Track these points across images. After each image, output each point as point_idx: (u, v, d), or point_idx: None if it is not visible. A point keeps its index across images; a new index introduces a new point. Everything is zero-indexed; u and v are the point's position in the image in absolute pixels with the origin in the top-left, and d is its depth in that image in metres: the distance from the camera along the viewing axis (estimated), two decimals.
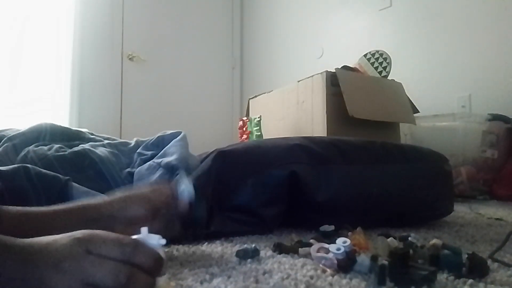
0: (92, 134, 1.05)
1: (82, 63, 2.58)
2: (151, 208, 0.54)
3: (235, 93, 3.42)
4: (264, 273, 0.48)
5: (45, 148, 0.86)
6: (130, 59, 2.80)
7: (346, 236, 0.56)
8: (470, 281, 0.44)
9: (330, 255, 0.50)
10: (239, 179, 0.76)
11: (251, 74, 3.39)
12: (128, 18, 2.81)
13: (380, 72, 1.79)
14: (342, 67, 1.69)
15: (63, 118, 2.46)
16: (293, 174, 0.76)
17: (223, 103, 3.35)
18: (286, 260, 0.54)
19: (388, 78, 1.77)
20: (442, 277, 0.46)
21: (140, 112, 2.82)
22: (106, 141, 0.99)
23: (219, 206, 0.74)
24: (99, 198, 0.58)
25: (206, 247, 0.62)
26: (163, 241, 0.34)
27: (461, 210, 1.17)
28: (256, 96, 2.01)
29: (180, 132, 0.94)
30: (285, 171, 0.76)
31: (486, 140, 1.64)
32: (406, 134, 1.79)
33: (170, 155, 0.86)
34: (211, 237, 0.68)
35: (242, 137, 1.85)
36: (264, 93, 1.93)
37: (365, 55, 1.86)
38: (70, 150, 0.86)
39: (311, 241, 0.61)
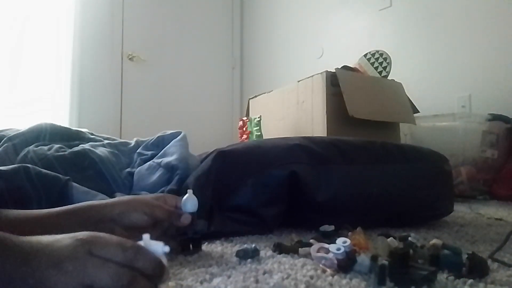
0: (92, 134, 1.05)
1: (82, 63, 2.58)
2: (152, 217, 0.54)
3: (235, 93, 3.42)
4: (264, 273, 0.48)
5: (45, 148, 0.86)
6: (130, 59, 2.80)
7: (346, 236, 0.56)
8: (470, 281, 0.44)
9: (330, 255, 0.50)
10: (239, 179, 0.76)
11: (251, 74, 3.39)
12: (128, 18, 2.81)
13: (380, 72, 1.79)
14: (342, 67, 1.69)
15: (63, 118, 2.46)
16: (293, 174, 0.76)
17: (223, 103, 3.35)
18: (286, 260, 0.54)
19: (388, 78, 1.77)
20: (442, 277, 0.46)
21: (140, 112, 2.82)
22: (106, 141, 0.99)
23: (219, 206, 0.74)
24: (103, 201, 0.58)
25: (206, 247, 0.62)
26: (167, 249, 0.34)
27: (461, 210, 1.17)
28: (256, 96, 2.01)
29: (180, 132, 0.94)
30: (285, 171, 0.76)
31: (486, 140, 1.64)
32: (406, 134, 1.79)
33: (170, 155, 0.86)
34: (211, 237, 0.68)
35: (242, 137, 1.85)
36: (264, 93, 1.93)
37: (365, 55, 1.86)
38: (70, 150, 0.86)
39: (311, 241, 0.61)
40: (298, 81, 1.66)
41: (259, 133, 1.77)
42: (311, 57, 2.75)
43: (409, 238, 0.60)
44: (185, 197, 0.57)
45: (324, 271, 0.49)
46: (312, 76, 1.57)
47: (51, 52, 2.50)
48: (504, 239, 0.65)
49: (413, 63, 2.13)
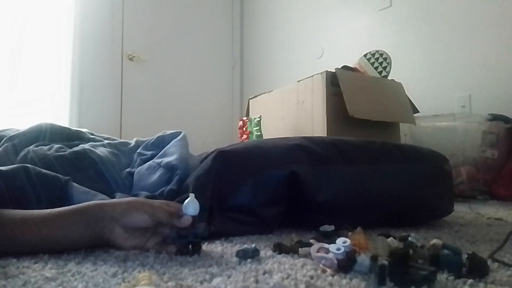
0: (92, 134, 1.05)
1: (82, 63, 2.58)
2: (154, 218, 0.54)
3: (235, 93, 3.42)
4: (264, 273, 0.48)
5: (45, 148, 0.86)
6: (130, 59, 2.80)
7: (346, 236, 0.56)
8: (470, 281, 0.44)
9: (330, 255, 0.50)
10: (239, 179, 0.76)
11: (251, 74, 3.39)
12: (128, 18, 2.81)
13: (380, 72, 1.79)
14: (342, 67, 1.69)
15: (63, 118, 2.46)
16: (293, 174, 0.76)
17: (223, 103, 3.35)
18: (286, 260, 0.54)
19: (388, 78, 1.77)
20: (442, 277, 0.46)
21: (140, 112, 2.82)
22: (106, 141, 0.99)
23: (219, 206, 0.74)
24: (105, 200, 0.59)
25: (206, 247, 0.62)
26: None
27: (461, 210, 1.17)
28: (256, 96, 2.01)
29: (180, 132, 0.94)
30: (285, 171, 0.76)
31: (486, 140, 1.64)
32: (406, 134, 1.79)
33: (170, 155, 0.86)
34: (211, 237, 0.68)
35: (242, 137, 1.85)
36: (264, 93, 1.93)
37: (365, 55, 1.86)
38: (70, 150, 0.86)
39: (311, 241, 0.61)
40: (298, 81, 1.66)
41: (259, 133, 1.77)
42: (311, 57, 2.75)
43: (409, 238, 0.60)
44: (186, 200, 0.57)
45: (324, 271, 0.49)
46: (312, 76, 1.57)
47: (51, 52, 2.50)
48: (504, 239, 0.65)
49: (413, 63, 2.13)
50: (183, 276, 0.46)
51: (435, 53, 2.05)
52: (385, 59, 1.80)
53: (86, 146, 0.90)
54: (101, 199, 0.70)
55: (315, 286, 0.44)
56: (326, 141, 0.86)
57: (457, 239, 0.72)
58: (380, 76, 1.78)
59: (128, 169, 0.90)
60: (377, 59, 1.81)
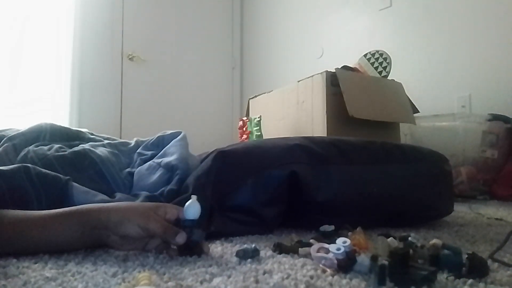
0: (92, 134, 1.05)
1: (82, 63, 2.58)
2: (146, 231, 0.53)
3: (235, 93, 3.42)
4: (264, 273, 0.48)
5: (45, 148, 0.86)
6: (130, 59, 2.80)
7: (346, 236, 0.56)
8: (470, 281, 0.44)
9: (330, 255, 0.50)
10: (239, 179, 0.76)
11: (251, 74, 3.39)
12: (128, 18, 2.81)
13: (380, 72, 1.79)
14: (342, 67, 1.69)
15: (63, 118, 2.46)
16: (293, 174, 0.76)
17: (223, 103, 3.35)
18: (286, 260, 0.54)
19: (388, 78, 1.77)
20: (442, 277, 0.46)
21: (140, 112, 2.82)
22: (106, 141, 0.99)
23: (219, 206, 0.74)
24: (101, 205, 0.58)
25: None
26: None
27: (461, 210, 1.17)
28: (256, 96, 2.01)
29: (180, 132, 0.94)
30: (285, 171, 0.76)
31: (486, 140, 1.64)
32: (406, 134, 1.79)
33: (170, 155, 0.86)
34: (211, 237, 0.68)
35: (242, 137, 1.85)
36: (264, 93, 1.93)
37: (365, 55, 1.86)
38: (70, 150, 0.86)
39: (311, 241, 0.61)
40: (298, 81, 1.66)
41: (259, 133, 1.77)
42: (311, 57, 2.75)
43: (409, 238, 0.60)
44: (188, 203, 0.56)
45: (324, 271, 0.49)
46: (312, 76, 1.57)
47: (51, 52, 2.50)
48: (504, 239, 0.65)
49: (413, 63, 2.13)
50: (183, 276, 0.46)
51: (435, 53, 2.05)
52: (385, 59, 1.80)
53: (86, 146, 0.90)
54: (101, 199, 0.70)
55: (315, 286, 0.44)
56: (326, 141, 0.86)
57: (457, 239, 0.72)
58: (380, 76, 1.78)
59: (128, 169, 0.90)
60: (377, 59, 1.81)
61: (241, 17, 3.49)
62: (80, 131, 1.03)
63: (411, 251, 0.49)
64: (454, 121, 1.68)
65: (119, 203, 0.59)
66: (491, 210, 1.20)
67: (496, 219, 1.00)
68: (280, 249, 0.59)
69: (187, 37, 3.12)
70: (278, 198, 0.77)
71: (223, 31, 3.40)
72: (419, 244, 0.55)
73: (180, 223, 0.55)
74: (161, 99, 2.94)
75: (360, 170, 0.82)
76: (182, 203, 0.57)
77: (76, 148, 0.88)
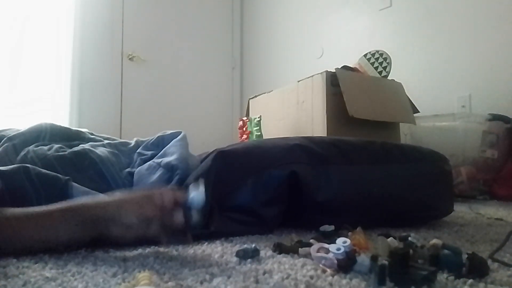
0: (92, 134, 1.05)
1: (82, 63, 2.58)
2: (143, 217, 0.53)
3: (235, 93, 3.42)
4: (264, 273, 0.48)
5: (45, 148, 0.86)
6: (130, 59, 2.80)
7: (346, 236, 0.56)
8: (470, 281, 0.44)
9: (330, 255, 0.50)
10: (239, 179, 0.76)
11: (251, 74, 3.39)
12: (128, 18, 2.81)
13: (380, 72, 1.79)
14: (342, 67, 1.69)
15: (63, 118, 2.46)
16: (293, 174, 0.76)
17: (223, 103, 3.35)
18: (286, 260, 0.54)
19: (388, 78, 1.77)
20: (442, 277, 0.46)
21: (140, 112, 2.82)
22: (106, 141, 0.99)
23: (219, 206, 0.74)
24: (97, 199, 0.58)
25: (206, 247, 0.62)
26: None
27: (461, 210, 1.17)
28: (256, 96, 2.01)
29: (180, 132, 0.94)
30: (285, 171, 0.76)
31: (486, 140, 1.64)
32: (406, 134, 1.79)
33: (170, 155, 0.86)
34: (211, 237, 0.68)
35: (242, 137, 1.85)
36: (264, 93, 1.93)
37: (365, 55, 1.86)
38: (70, 150, 0.86)
39: (311, 241, 0.61)
40: (298, 81, 1.66)
41: (259, 133, 1.77)
42: (311, 57, 2.75)
43: (409, 238, 0.60)
44: (195, 193, 0.56)
45: (324, 271, 0.49)
46: (312, 76, 1.57)
47: (51, 52, 2.50)
48: (504, 239, 0.65)
49: (413, 63, 2.13)
50: (183, 276, 0.46)
51: (435, 53, 2.05)
52: (385, 59, 1.80)
53: (86, 146, 0.90)
54: None
55: (315, 286, 0.44)
56: (326, 141, 0.86)
57: (457, 239, 0.72)
58: (380, 76, 1.78)
59: (128, 169, 0.90)
60: (377, 59, 1.81)
61: (241, 17, 3.49)
62: (80, 131, 1.03)
63: (411, 251, 0.49)
64: (454, 121, 1.68)
65: (115, 195, 0.58)
66: (491, 210, 1.20)
67: (496, 219, 1.00)
68: (280, 249, 0.59)
69: (187, 37, 3.12)
70: (278, 198, 0.77)
71: (223, 31, 3.40)
72: (419, 244, 0.55)
73: (183, 207, 0.55)
74: (161, 99, 2.94)
75: (360, 170, 0.82)
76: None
77: (76, 148, 0.88)
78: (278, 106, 1.79)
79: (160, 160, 0.86)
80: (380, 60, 1.80)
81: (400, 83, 1.72)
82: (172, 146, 0.90)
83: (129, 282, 0.43)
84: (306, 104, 1.60)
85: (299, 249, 0.58)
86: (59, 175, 0.70)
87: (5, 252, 0.52)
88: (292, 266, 0.51)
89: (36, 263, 0.50)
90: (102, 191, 0.75)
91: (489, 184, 1.65)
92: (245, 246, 0.56)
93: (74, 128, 1.04)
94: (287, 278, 0.46)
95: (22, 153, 0.84)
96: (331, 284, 0.44)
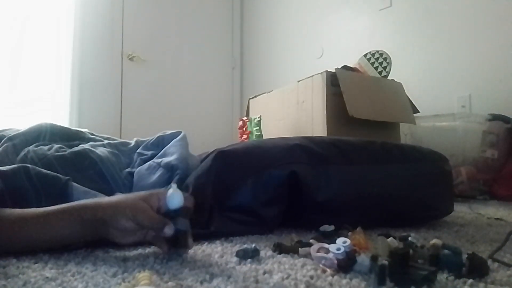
0: (92, 134, 1.05)
1: (82, 63, 2.58)
2: (136, 222, 0.52)
3: (235, 93, 3.42)
4: (264, 273, 0.48)
5: (45, 148, 0.86)
6: (130, 59, 2.80)
7: (346, 236, 0.56)
8: (470, 281, 0.44)
9: (330, 255, 0.50)
10: (239, 179, 0.76)
11: (251, 74, 3.39)
12: (128, 18, 2.81)
13: (380, 72, 1.79)
14: (342, 67, 1.69)
15: (63, 118, 2.46)
16: (293, 174, 0.76)
17: (223, 103, 3.35)
18: (286, 260, 0.54)
19: (388, 78, 1.77)
20: (442, 277, 0.46)
21: (140, 112, 2.82)
22: (106, 141, 0.99)
23: (219, 206, 0.74)
24: (97, 200, 0.58)
25: (206, 247, 0.62)
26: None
27: (461, 210, 1.17)
28: (256, 96, 2.01)
29: (180, 132, 0.94)
30: (285, 171, 0.76)
31: (486, 140, 1.64)
32: (406, 134, 1.79)
33: (170, 155, 0.86)
34: (211, 237, 0.68)
35: (242, 137, 1.85)
36: (264, 93, 1.93)
37: (365, 55, 1.86)
38: (70, 150, 0.86)
39: (311, 241, 0.61)
40: (298, 81, 1.66)
41: (259, 133, 1.77)
42: (311, 57, 2.75)
43: (409, 238, 0.60)
44: (169, 192, 0.54)
45: (324, 271, 0.49)
46: (312, 76, 1.57)
47: (51, 52, 2.50)
48: (504, 239, 0.65)
49: (413, 63, 2.13)
50: (183, 276, 0.46)
51: (435, 53, 2.05)
52: (385, 59, 1.80)
53: (86, 146, 0.90)
54: None
55: (315, 286, 0.44)
56: (326, 141, 0.86)
57: (457, 239, 0.72)
58: (380, 76, 1.78)
59: (128, 169, 0.90)
60: (377, 59, 1.81)
61: (241, 17, 3.49)
62: (80, 131, 1.03)
63: (411, 251, 0.49)
64: (454, 121, 1.68)
65: (112, 198, 0.58)
66: (491, 210, 1.20)
67: (496, 219, 1.00)
68: (280, 249, 0.59)
69: (187, 37, 3.12)
70: (278, 198, 0.77)
71: (223, 31, 3.40)
72: (419, 244, 0.55)
73: (164, 214, 0.54)
74: (161, 99, 2.94)
75: (360, 170, 0.82)
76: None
77: (76, 148, 0.88)
78: (278, 106, 1.79)
79: (160, 160, 0.86)
80: (380, 60, 1.80)
81: (400, 83, 1.72)
82: (172, 146, 0.90)
83: (129, 282, 0.43)
84: (306, 104, 1.60)
85: (299, 249, 0.58)
86: (59, 175, 0.70)
87: (5, 252, 0.52)
88: (292, 266, 0.51)
89: (36, 263, 0.50)
90: (102, 191, 0.75)
91: (489, 184, 1.65)
92: (245, 246, 0.56)
93: (74, 128, 1.04)
94: (287, 278, 0.46)
95: (22, 153, 0.84)
96: (331, 284, 0.44)
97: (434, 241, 0.52)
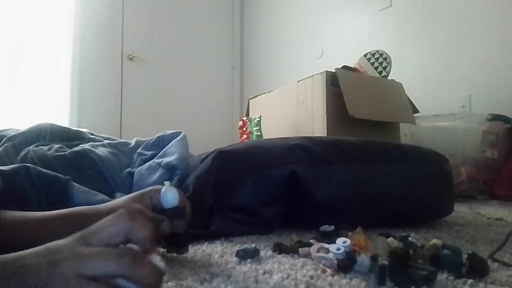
0: (92, 134, 1.05)
1: (82, 63, 2.58)
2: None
3: (235, 93, 3.42)
4: (264, 273, 0.48)
5: (45, 148, 0.86)
6: (130, 59, 2.80)
7: (346, 236, 0.56)
8: (470, 281, 0.44)
9: (330, 255, 0.50)
10: (239, 179, 0.76)
11: (251, 74, 3.39)
12: (128, 18, 2.81)
13: (380, 72, 1.79)
14: (342, 67, 1.69)
15: (63, 118, 2.46)
16: (293, 174, 0.76)
17: (223, 103, 3.35)
18: (286, 260, 0.54)
19: (388, 78, 1.77)
20: (442, 277, 0.46)
21: (140, 112, 2.82)
22: (106, 141, 0.99)
23: (219, 206, 0.74)
24: (94, 207, 0.57)
25: (206, 247, 0.62)
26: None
27: (461, 210, 1.17)
28: (256, 96, 2.01)
29: (180, 132, 0.94)
30: (285, 171, 0.76)
31: (486, 140, 1.64)
32: (406, 134, 1.79)
33: (170, 155, 0.86)
34: (211, 237, 0.68)
35: (242, 137, 1.85)
36: (264, 93, 1.93)
37: (365, 55, 1.86)
38: (70, 150, 0.86)
39: (311, 241, 0.61)
40: (298, 81, 1.66)
41: (259, 133, 1.76)
42: (311, 57, 2.75)
43: (409, 238, 0.60)
44: (163, 189, 0.51)
45: (324, 271, 0.49)
46: (312, 76, 1.57)
47: (51, 52, 2.50)
48: (504, 239, 0.65)
49: (413, 63, 2.13)
50: (183, 276, 0.46)
51: (435, 53, 2.05)
52: (385, 59, 1.80)
53: (86, 146, 0.90)
54: (101, 199, 0.70)
55: (315, 286, 0.44)
56: (326, 141, 0.86)
57: (457, 239, 0.72)
58: (380, 76, 1.78)
59: (128, 169, 0.90)
60: (377, 59, 1.81)
61: (241, 17, 3.49)
62: (80, 131, 1.03)
63: (411, 251, 0.49)
64: (454, 121, 1.68)
65: (108, 204, 0.57)
66: (491, 210, 1.20)
67: (496, 219, 1.00)
68: (280, 249, 0.59)
69: (187, 37, 3.12)
70: (278, 198, 0.77)
71: (223, 31, 3.40)
72: (419, 244, 0.55)
73: (159, 212, 0.52)
74: (161, 99, 2.94)
75: (360, 170, 0.82)
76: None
77: (76, 148, 0.88)
78: (278, 106, 1.79)
79: (160, 160, 0.86)
80: (380, 60, 1.80)
81: (400, 83, 1.72)
82: (172, 146, 0.90)
83: None
84: (306, 104, 1.60)
85: (299, 249, 0.58)
86: (59, 175, 0.70)
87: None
88: (292, 266, 0.51)
89: None
90: (102, 191, 0.75)
91: (489, 184, 1.65)
92: (245, 246, 0.56)
93: (74, 128, 1.04)
94: (287, 278, 0.46)
95: (22, 153, 0.84)
96: (331, 284, 0.44)
97: (434, 241, 0.52)
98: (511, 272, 0.49)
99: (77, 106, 2.55)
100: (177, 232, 0.51)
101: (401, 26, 2.22)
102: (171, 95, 3.00)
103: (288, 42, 2.99)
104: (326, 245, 0.54)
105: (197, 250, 0.60)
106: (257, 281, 0.45)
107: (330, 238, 0.62)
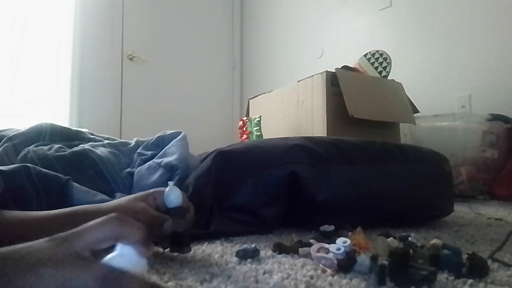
0: (92, 134, 1.05)
1: (82, 63, 2.58)
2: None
3: (235, 93, 3.42)
4: (264, 273, 0.48)
5: (45, 148, 0.86)
6: (130, 59, 2.80)
7: (346, 236, 0.56)
8: (470, 281, 0.44)
9: (330, 255, 0.50)
10: (239, 179, 0.76)
11: (251, 74, 3.39)
12: (128, 18, 2.81)
13: (380, 72, 1.79)
14: (342, 67, 1.69)
15: (63, 118, 2.46)
16: (293, 174, 0.76)
17: (223, 103, 3.35)
18: (286, 260, 0.54)
19: (388, 78, 1.77)
20: (442, 277, 0.46)
21: (140, 112, 2.82)
22: (106, 141, 0.99)
23: (219, 206, 0.74)
24: (97, 205, 0.57)
25: (206, 247, 0.62)
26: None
27: (461, 210, 1.17)
28: (256, 96, 2.01)
29: (180, 132, 0.94)
30: (285, 171, 0.76)
31: (486, 140, 1.64)
32: (406, 134, 1.79)
33: (170, 155, 0.86)
34: (211, 237, 0.68)
35: (242, 137, 1.85)
36: (264, 93, 1.93)
37: (365, 55, 1.86)
38: (70, 150, 0.86)
39: (311, 241, 0.61)
40: (298, 81, 1.66)
41: (259, 133, 1.77)
42: (311, 57, 2.75)
43: (409, 238, 0.60)
44: (167, 190, 0.53)
45: (324, 271, 0.49)
46: (312, 76, 1.57)
47: (51, 52, 2.50)
48: (504, 239, 0.65)
49: (413, 63, 2.13)
50: (183, 276, 0.46)
51: (435, 53, 2.05)
52: (385, 59, 1.80)
53: (86, 146, 0.90)
54: (101, 199, 0.70)
55: (315, 286, 0.44)
56: (326, 141, 0.86)
57: (457, 239, 0.72)
58: (380, 76, 1.78)
59: (128, 169, 0.90)
60: (377, 59, 1.81)
61: (241, 17, 3.49)
62: (80, 131, 1.03)
63: (411, 251, 0.49)
64: (454, 121, 1.68)
65: (111, 202, 0.57)
66: (491, 210, 1.20)
67: (496, 219, 1.00)
68: (280, 249, 0.59)
69: (187, 37, 3.12)
70: (278, 198, 0.77)
71: (223, 31, 3.40)
72: (419, 244, 0.55)
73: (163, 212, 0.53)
74: (161, 99, 2.94)
75: (360, 170, 0.82)
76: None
77: (76, 148, 0.88)
78: (278, 106, 1.79)
79: (160, 160, 0.86)
80: (380, 60, 1.80)
81: (400, 83, 1.72)
82: (172, 146, 0.90)
83: None
84: (306, 104, 1.60)
85: (299, 249, 0.58)
86: (59, 175, 0.70)
87: None
88: (292, 266, 0.51)
89: None
90: (102, 191, 0.75)
91: (489, 184, 1.65)
92: (245, 246, 0.56)
93: (74, 128, 1.04)
94: (287, 278, 0.46)
95: (22, 153, 0.84)
96: (331, 284, 0.44)
97: (434, 241, 0.52)
98: (511, 272, 0.49)
99: (77, 106, 2.55)
100: (176, 230, 0.52)
101: (401, 26, 2.22)
102: (171, 95, 3.00)
103: (288, 42, 2.99)
104: (326, 245, 0.54)
105: (197, 250, 0.60)
106: (257, 281, 0.45)
107: (330, 238, 0.62)
